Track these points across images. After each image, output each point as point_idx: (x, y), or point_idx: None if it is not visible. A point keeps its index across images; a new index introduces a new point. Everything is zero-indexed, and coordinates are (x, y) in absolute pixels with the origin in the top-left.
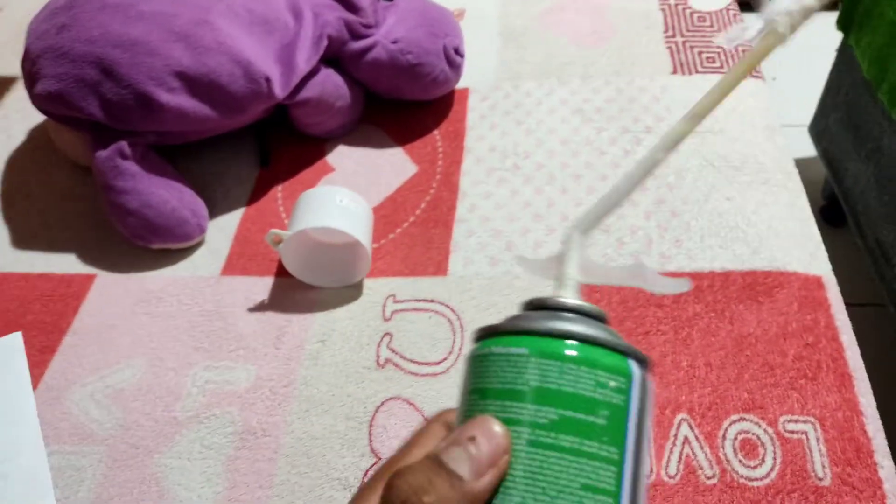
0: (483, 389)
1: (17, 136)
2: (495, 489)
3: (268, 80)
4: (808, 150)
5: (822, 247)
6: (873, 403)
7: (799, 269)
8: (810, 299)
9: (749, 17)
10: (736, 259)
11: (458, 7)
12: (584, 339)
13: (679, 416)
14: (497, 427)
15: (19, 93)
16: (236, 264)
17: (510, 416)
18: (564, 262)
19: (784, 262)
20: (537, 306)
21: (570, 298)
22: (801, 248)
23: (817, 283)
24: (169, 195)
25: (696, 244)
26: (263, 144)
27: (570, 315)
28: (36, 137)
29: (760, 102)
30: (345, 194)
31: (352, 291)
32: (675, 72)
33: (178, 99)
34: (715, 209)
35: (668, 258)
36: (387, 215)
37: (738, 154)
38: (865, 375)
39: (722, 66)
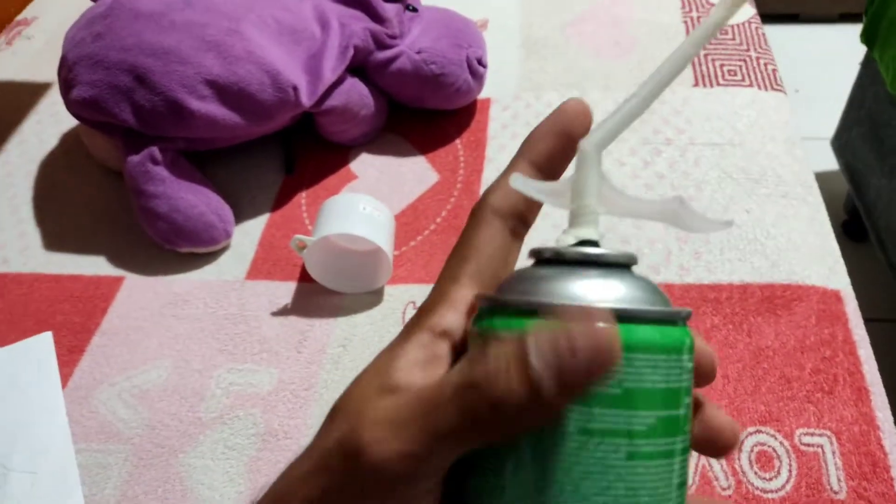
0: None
1: (50, 141)
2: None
3: (295, 88)
4: (831, 163)
5: (841, 261)
6: (890, 418)
7: (817, 282)
8: (828, 313)
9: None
10: (755, 272)
11: (481, 17)
12: (667, 319)
13: None
14: (608, 340)
15: (53, 98)
16: (261, 269)
17: (605, 427)
18: (582, 188)
19: (803, 275)
20: (579, 261)
21: (607, 248)
22: (820, 263)
23: (836, 297)
24: (197, 200)
25: (715, 257)
26: (289, 151)
27: (647, 282)
28: (68, 142)
29: (781, 116)
30: (368, 202)
31: (373, 297)
32: (696, 84)
33: (208, 106)
34: (734, 221)
35: (687, 270)
36: (408, 223)
37: (758, 167)
38: (883, 390)
39: (743, 79)
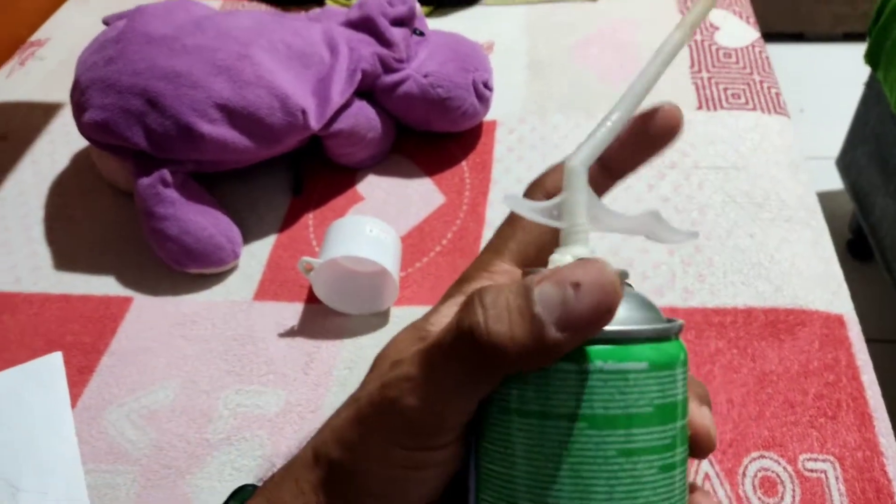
0: (594, 417)
1: (61, 161)
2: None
3: (304, 112)
4: (836, 182)
5: (845, 285)
6: (894, 444)
7: (821, 307)
8: (832, 338)
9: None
10: (758, 296)
11: (487, 40)
12: (662, 336)
13: None
14: (612, 283)
15: (64, 118)
16: (268, 290)
17: (637, 447)
18: (572, 207)
19: (806, 300)
20: None
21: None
22: (824, 287)
23: (839, 321)
24: (206, 222)
25: (718, 280)
26: (297, 173)
27: (641, 297)
28: (79, 162)
29: (785, 139)
30: (374, 224)
31: (379, 319)
32: (700, 107)
33: (218, 130)
34: (737, 245)
35: (692, 293)
36: (414, 244)
37: (762, 191)
38: (886, 416)
39: (747, 103)
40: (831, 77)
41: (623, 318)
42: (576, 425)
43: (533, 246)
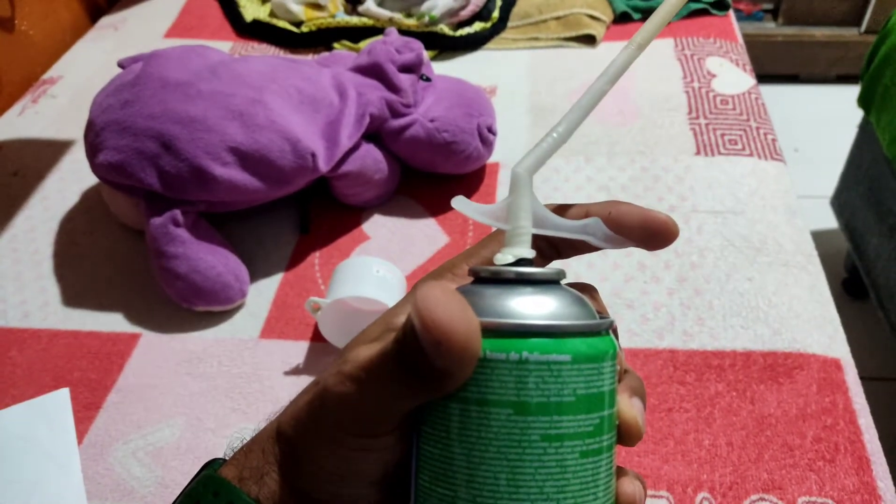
0: (522, 404)
1: (71, 198)
2: None
3: (314, 155)
4: (831, 221)
5: (841, 329)
6: (892, 487)
7: (818, 351)
8: (829, 381)
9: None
10: (757, 339)
11: (491, 84)
12: (593, 331)
13: (701, 495)
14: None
15: (74, 156)
16: (274, 328)
17: (561, 433)
18: (517, 210)
19: (804, 343)
20: (521, 280)
21: (541, 268)
22: (821, 331)
23: (836, 365)
24: (215, 261)
25: (718, 323)
26: (305, 212)
27: (574, 295)
28: (89, 199)
29: (781, 185)
30: (381, 264)
31: None
32: (698, 153)
33: (230, 172)
34: (736, 289)
35: (691, 336)
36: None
37: (759, 235)
38: (884, 459)
39: (744, 148)
40: (826, 118)
41: (554, 314)
42: (504, 411)
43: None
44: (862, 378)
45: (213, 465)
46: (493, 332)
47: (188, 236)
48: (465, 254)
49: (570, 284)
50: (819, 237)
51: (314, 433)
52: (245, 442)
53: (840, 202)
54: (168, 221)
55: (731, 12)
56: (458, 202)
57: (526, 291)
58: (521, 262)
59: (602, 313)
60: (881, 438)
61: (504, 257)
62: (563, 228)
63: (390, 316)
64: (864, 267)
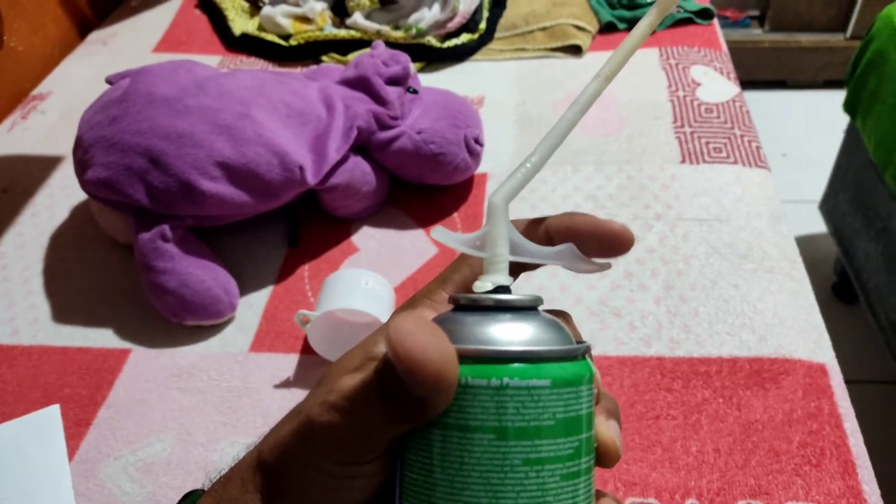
0: (503, 430)
1: (61, 214)
2: None
3: (301, 168)
4: (820, 226)
5: (826, 334)
6: (877, 491)
7: (803, 356)
8: (814, 386)
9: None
10: (743, 346)
11: (479, 94)
12: (569, 356)
13: (688, 502)
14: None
15: (63, 172)
16: (264, 341)
17: (542, 456)
18: (494, 239)
19: (790, 349)
20: (500, 307)
21: (522, 294)
22: (806, 336)
23: (821, 370)
24: (205, 275)
25: (704, 330)
26: (294, 225)
27: (551, 321)
28: (78, 215)
29: (765, 192)
30: (370, 276)
31: None
32: (683, 161)
33: (218, 186)
34: (722, 296)
35: (678, 343)
36: (407, 294)
37: (744, 242)
38: (869, 463)
39: (728, 156)
40: (813, 123)
41: (532, 340)
42: (486, 437)
43: (473, 278)
44: (852, 381)
45: (191, 497)
46: (473, 358)
47: (177, 251)
48: (438, 279)
49: (546, 310)
50: (808, 242)
51: (299, 462)
52: (223, 472)
53: (828, 207)
54: (156, 236)
55: (715, 21)
56: (438, 233)
57: (504, 318)
58: (499, 289)
59: (577, 339)
60: (870, 442)
61: (483, 285)
62: (539, 255)
63: (370, 344)
64: (853, 271)
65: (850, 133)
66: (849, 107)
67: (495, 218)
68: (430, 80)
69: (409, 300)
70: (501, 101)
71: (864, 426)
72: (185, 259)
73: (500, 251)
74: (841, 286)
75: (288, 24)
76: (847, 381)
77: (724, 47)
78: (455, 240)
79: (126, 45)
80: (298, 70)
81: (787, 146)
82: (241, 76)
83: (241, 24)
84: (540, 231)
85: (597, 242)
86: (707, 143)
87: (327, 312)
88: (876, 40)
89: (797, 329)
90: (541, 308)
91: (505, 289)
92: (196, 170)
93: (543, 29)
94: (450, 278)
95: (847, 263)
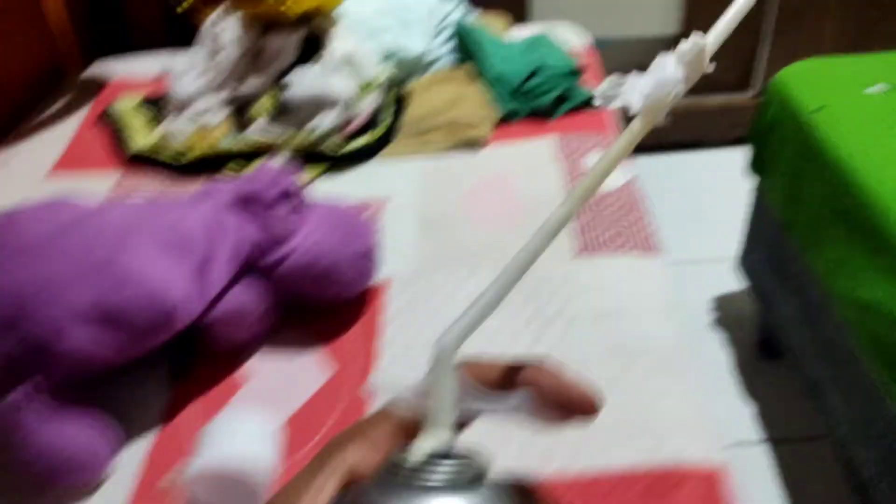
0: None
1: None
2: None
3: (175, 308)
4: (741, 283)
5: (718, 436)
6: None
7: (699, 460)
8: (707, 499)
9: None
10: (639, 453)
11: (384, 195)
12: None
13: None
14: None
15: None
16: (147, 494)
17: None
18: (439, 392)
19: (684, 454)
20: (438, 482)
21: (457, 461)
22: (701, 436)
23: (713, 479)
24: (70, 439)
25: (601, 437)
26: (178, 361)
27: (483, 496)
28: None
29: (659, 283)
30: (248, 421)
31: None
32: (582, 250)
33: (81, 342)
34: (616, 401)
35: (578, 453)
36: (306, 423)
37: (639, 340)
38: None
39: (623, 244)
40: (727, 180)
41: None
42: None
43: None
44: (778, 441)
45: None
46: None
47: (38, 417)
48: (374, 419)
49: (507, 478)
50: (730, 300)
51: None
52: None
53: (747, 264)
54: (20, 396)
55: None
56: (380, 387)
57: (442, 493)
58: (437, 455)
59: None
60: (797, 500)
61: (424, 444)
62: (489, 407)
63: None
64: (775, 328)
65: (759, 191)
66: (754, 167)
67: (439, 369)
68: (333, 184)
69: (338, 441)
70: (405, 202)
71: (792, 484)
72: (47, 425)
73: (442, 404)
74: (766, 343)
75: (189, 133)
76: (775, 440)
77: (620, 129)
78: (397, 391)
79: (23, 167)
80: (193, 189)
81: (705, 204)
82: (120, 210)
83: (142, 138)
84: (496, 376)
85: (559, 412)
86: (604, 231)
87: (198, 475)
88: (773, 104)
89: (694, 428)
90: (490, 475)
91: (444, 455)
92: (65, 318)
93: (443, 126)
94: (378, 425)
95: (770, 320)
